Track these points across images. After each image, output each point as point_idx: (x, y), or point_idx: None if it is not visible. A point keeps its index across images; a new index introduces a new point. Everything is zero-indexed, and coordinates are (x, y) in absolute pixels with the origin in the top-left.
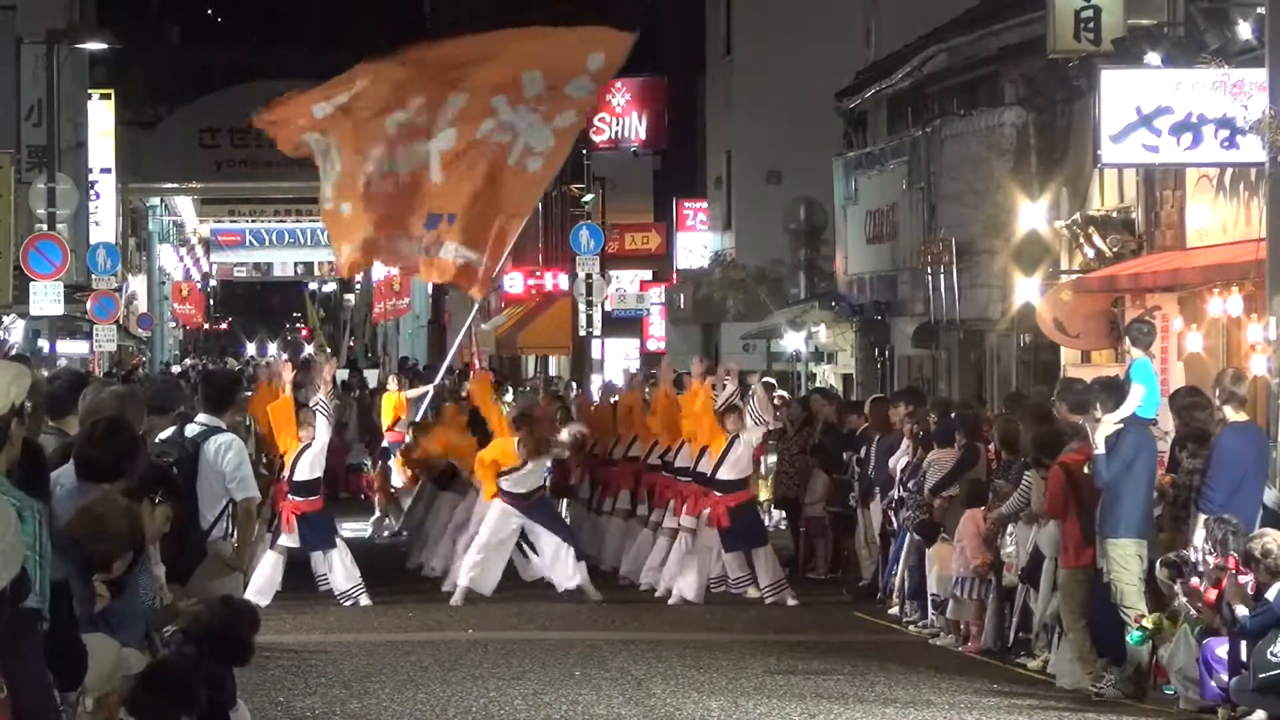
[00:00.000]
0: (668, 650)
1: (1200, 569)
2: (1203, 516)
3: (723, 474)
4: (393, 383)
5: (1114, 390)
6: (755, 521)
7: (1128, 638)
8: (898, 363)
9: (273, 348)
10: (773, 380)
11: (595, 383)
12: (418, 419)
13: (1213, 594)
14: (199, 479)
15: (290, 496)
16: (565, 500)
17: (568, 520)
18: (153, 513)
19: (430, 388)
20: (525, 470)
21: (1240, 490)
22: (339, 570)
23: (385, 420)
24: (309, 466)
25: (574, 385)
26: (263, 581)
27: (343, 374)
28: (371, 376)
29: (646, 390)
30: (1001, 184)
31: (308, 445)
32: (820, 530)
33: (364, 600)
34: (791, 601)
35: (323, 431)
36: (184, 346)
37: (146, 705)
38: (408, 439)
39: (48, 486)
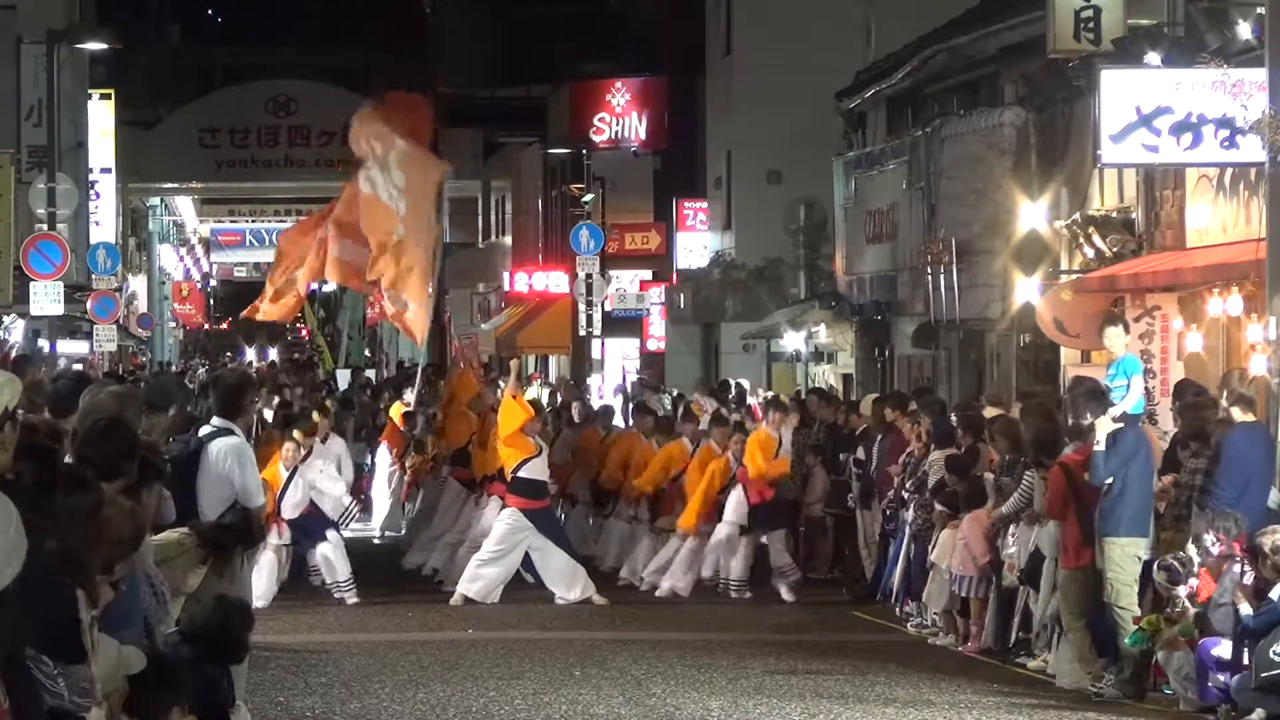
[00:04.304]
0: (668, 650)
1: (1201, 563)
2: (1209, 508)
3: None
4: (409, 394)
5: (1100, 397)
6: (779, 506)
7: (1125, 638)
8: (898, 363)
9: (273, 353)
10: (745, 382)
11: (595, 382)
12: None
13: (1210, 590)
14: (200, 477)
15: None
16: (563, 501)
17: (563, 520)
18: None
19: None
20: (539, 457)
21: (1247, 490)
22: (331, 564)
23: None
24: (293, 506)
25: (573, 384)
26: (263, 582)
27: (344, 375)
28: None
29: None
30: (1001, 184)
31: (292, 474)
32: (820, 530)
33: (351, 598)
34: (788, 596)
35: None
36: (184, 347)
37: (136, 700)
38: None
39: (56, 490)
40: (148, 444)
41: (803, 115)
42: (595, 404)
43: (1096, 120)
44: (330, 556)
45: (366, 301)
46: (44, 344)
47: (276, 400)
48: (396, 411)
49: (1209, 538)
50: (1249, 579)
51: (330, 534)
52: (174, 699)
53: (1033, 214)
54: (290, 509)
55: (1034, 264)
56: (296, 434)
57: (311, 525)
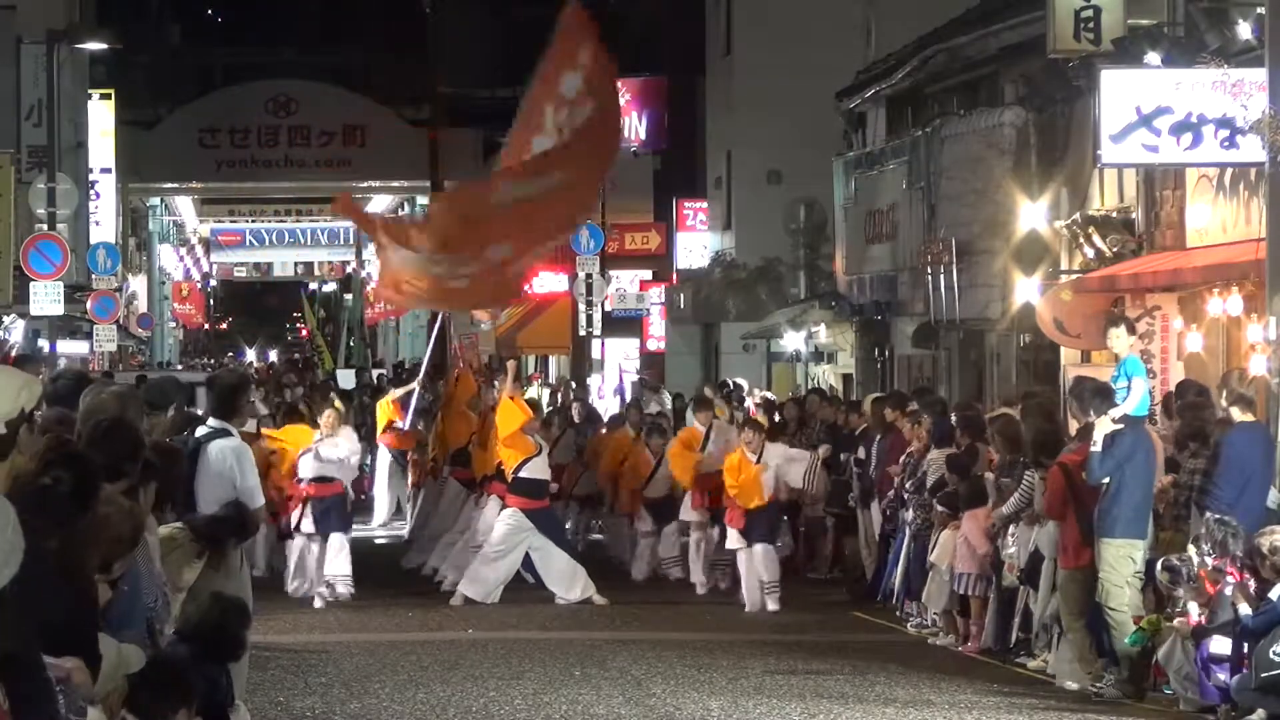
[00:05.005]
0: (668, 650)
1: (1200, 564)
2: (1206, 515)
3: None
4: (394, 391)
5: (1108, 394)
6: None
7: (1122, 638)
8: (898, 363)
9: (273, 355)
10: (743, 381)
11: (594, 382)
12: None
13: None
14: (199, 478)
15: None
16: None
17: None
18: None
19: (415, 384)
20: (540, 456)
21: (1247, 490)
22: (302, 564)
23: (379, 424)
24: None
25: (573, 385)
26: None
27: (347, 374)
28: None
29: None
30: (1001, 184)
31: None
32: (820, 530)
33: (319, 602)
34: (773, 606)
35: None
36: (184, 347)
37: (141, 701)
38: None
39: (91, 501)
40: (156, 444)
41: (803, 115)
42: (596, 404)
43: (1096, 120)
44: (332, 552)
45: (366, 302)
46: (44, 344)
47: (277, 401)
48: (386, 407)
49: (1205, 548)
50: (1250, 583)
51: (335, 537)
52: (182, 701)
53: (1033, 214)
54: (307, 469)
55: (1034, 264)
56: (337, 404)
57: (331, 507)
